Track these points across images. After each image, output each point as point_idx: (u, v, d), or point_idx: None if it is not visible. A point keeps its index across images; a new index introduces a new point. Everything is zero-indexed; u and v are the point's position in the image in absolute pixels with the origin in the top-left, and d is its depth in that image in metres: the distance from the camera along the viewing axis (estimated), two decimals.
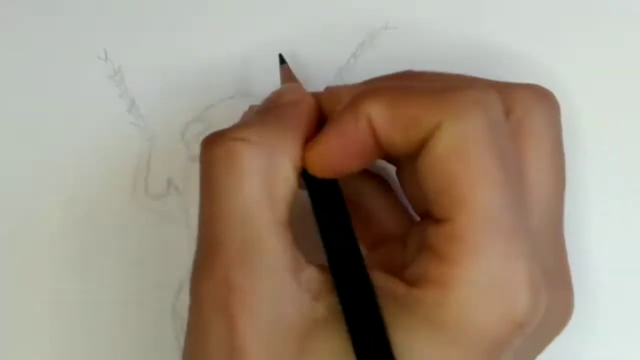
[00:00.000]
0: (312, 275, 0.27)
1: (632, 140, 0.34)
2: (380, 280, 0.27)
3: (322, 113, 0.29)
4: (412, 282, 0.27)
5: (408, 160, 0.28)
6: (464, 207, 0.26)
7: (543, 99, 0.29)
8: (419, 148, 0.26)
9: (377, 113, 0.27)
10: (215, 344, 0.26)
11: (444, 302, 0.26)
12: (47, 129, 0.35)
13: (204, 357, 0.27)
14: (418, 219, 0.30)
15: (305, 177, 0.28)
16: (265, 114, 0.29)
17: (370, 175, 0.32)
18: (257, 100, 0.31)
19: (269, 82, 0.34)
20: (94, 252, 0.34)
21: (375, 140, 0.27)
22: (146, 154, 0.34)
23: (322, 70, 0.33)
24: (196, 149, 0.28)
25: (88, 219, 0.34)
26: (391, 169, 0.31)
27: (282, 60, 0.33)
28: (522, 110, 0.28)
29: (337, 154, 0.28)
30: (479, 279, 0.25)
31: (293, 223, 0.28)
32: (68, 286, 0.34)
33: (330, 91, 0.30)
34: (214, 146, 0.27)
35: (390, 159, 0.30)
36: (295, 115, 0.29)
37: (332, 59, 0.32)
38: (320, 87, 0.30)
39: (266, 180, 0.27)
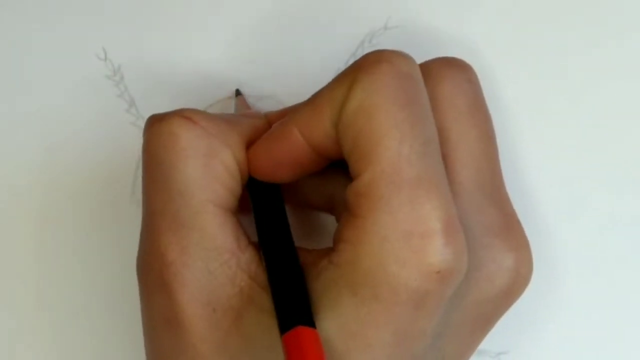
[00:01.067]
0: (252, 256, 0.28)
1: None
2: (306, 255, 0.28)
3: None
4: (334, 249, 0.27)
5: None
6: (369, 160, 0.26)
7: (451, 65, 0.29)
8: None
9: (300, 116, 0.27)
10: (158, 315, 0.27)
11: (357, 259, 0.26)
12: (47, 128, 0.35)
13: (151, 328, 0.28)
14: None
15: (249, 184, 0.29)
16: (218, 114, 0.30)
17: None
18: (257, 100, 0.31)
19: (269, 82, 0.34)
20: (94, 252, 0.34)
21: (310, 146, 0.27)
22: None
23: (322, 70, 0.33)
24: None
25: (88, 218, 0.34)
26: None
27: (238, 93, 0.34)
28: (433, 80, 0.28)
29: (271, 156, 0.28)
30: (388, 230, 0.25)
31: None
32: (68, 286, 0.34)
33: (277, 113, 0.30)
34: (159, 122, 0.28)
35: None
36: (245, 122, 0.29)
37: (332, 59, 0.32)
38: (320, 87, 0.30)
39: (204, 162, 0.28)
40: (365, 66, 0.26)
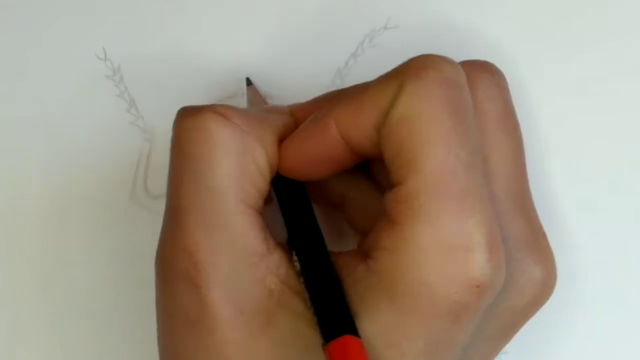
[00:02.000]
0: (281, 257, 0.27)
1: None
2: (341, 259, 0.27)
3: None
4: (369, 254, 0.26)
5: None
6: (414, 168, 0.25)
7: (483, 70, 0.29)
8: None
9: (339, 113, 0.27)
10: (181, 313, 0.26)
11: (397, 268, 0.25)
12: (47, 128, 0.35)
13: (171, 326, 0.27)
14: None
15: (275, 182, 0.28)
16: (250, 109, 0.30)
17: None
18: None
19: (269, 81, 0.34)
20: (94, 252, 0.34)
21: (344, 143, 0.27)
22: (146, 154, 0.34)
23: (322, 70, 0.33)
24: None
25: (88, 218, 0.34)
26: None
27: (249, 83, 0.33)
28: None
29: (304, 153, 0.28)
30: (431, 241, 0.25)
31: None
32: (68, 286, 0.34)
33: (303, 107, 0.30)
34: (192, 115, 0.27)
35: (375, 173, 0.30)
36: (275, 118, 0.29)
37: (332, 59, 0.32)
38: (320, 87, 0.30)
39: (238, 161, 0.27)
40: (412, 71, 0.26)
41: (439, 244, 0.25)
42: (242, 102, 0.34)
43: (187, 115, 0.27)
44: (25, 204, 0.34)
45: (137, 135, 0.34)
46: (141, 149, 0.34)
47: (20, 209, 0.34)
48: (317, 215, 0.29)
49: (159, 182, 0.34)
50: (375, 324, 0.26)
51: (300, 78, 0.32)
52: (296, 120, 0.29)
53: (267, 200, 0.28)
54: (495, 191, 0.28)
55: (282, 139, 0.28)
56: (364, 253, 0.27)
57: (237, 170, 0.27)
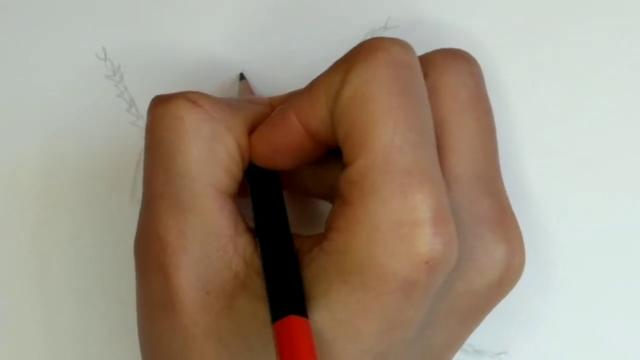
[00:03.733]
0: (248, 241, 0.28)
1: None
2: (301, 242, 0.28)
3: None
4: (325, 237, 0.27)
5: None
6: (363, 148, 0.26)
7: (456, 57, 0.29)
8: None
9: (297, 103, 0.27)
10: (153, 297, 0.27)
11: (348, 248, 0.26)
12: (46, 128, 0.35)
13: (145, 310, 0.28)
14: None
15: (248, 171, 0.29)
16: (225, 98, 0.30)
17: None
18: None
19: (269, 82, 0.34)
20: (94, 252, 0.34)
21: (306, 132, 0.27)
22: None
23: (321, 70, 0.33)
24: None
25: (88, 218, 0.34)
26: None
27: (242, 77, 0.34)
28: (436, 70, 0.28)
29: (270, 141, 0.28)
30: (380, 219, 0.25)
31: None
32: (68, 286, 0.34)
33: (280, 98, 0.30)
34: (164, 103, 0.28)
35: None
36: (248, 107, 0.29)
37: (332, 58, 0.32)
38: None
39: (208, 146, 0.28)
40: (361, 54, 0.26)
41: (387, 221, 0.25)
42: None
43: (160, 103, 0.28)
44: (24, 204, 0.34)
45: (137, 135, 0.34)
46: (141, 149, 0.34)
47: (19, 209, 0.34)
48: (300, 204, 0.29)
49: None
50: (329, 304, 0.26)
51: (300, 78, 0.32)
52: (272, 111, 0.30)
53: (245, 193, 0.29)
54: (458, 172, 0.28)
55: (254, 128, 0.29)
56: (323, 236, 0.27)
57: (206, 155, 0.27)
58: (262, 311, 0.27)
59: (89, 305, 0.34)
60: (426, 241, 0.25)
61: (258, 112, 0.29)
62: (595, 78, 0.34)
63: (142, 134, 0.34)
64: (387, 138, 0.25)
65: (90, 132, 0.34)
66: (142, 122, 0.34)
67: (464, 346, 0.33)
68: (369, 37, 0.34)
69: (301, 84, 0.31)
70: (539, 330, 0.34)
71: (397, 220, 0.25)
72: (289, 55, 0.34)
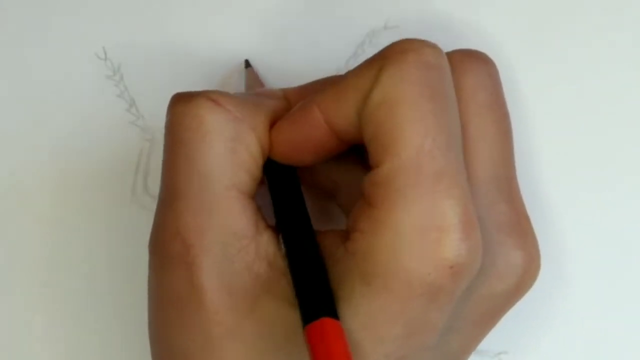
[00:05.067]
0: (270, 240, 0.28)
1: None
2: (325, 242, 0.27)
3: None
4: (348, 237, 0.27)
5: None
6: (391, 151, 0.25)
7: (474, 58, 0.29)
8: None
9: (323, 99, 0.27)
10: (171, 294, 0.27)
11: (372, 250, 0.26)
12: (46, 129, 0.35)
13: (161, 307, 0.28)
14: None
15: (266, 166, 0.29)
16: (243, 94, 0.30)
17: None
18: None
19: (268, 83, 0.34)
20: (94, 252, 0.34)
21: (329, 130, 0.27)
22: (146, 154, 0.34)
23: (322, 70, 0.33)
24: None
25: (88, 219, 0.34)
26: None
27: (247, 65, 0.33)
28: (455, 71, 0.28)
29: (291, 138, 0.28)
30: (406, 223, 0.25)
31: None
32: (68, 286, 0.34)
33: (295, 90, 0.30)
34: (185, 102, 0.28)
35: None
36: (268, 103, 0.29)
37: (332, 58, 0.32)
38: None
39: (230, 146, 0.27)
40: (392, 55, 0.26)
41: (413, 225, 0.25)
42: (240, 87, 0.34)
43: (180, 102, 0.28)
44: (24, 203, 0.34)
45: (137, 135, 0.34)
46: (141, 149, 0.34)
47: (19, 209, 0.34)
48: (312, 199, 0.29)
49: (159, 182, 0.34)
50: (352, 306, 0.26)
51: (299, 79, 0.32)
52: (289, 104, 0.30)
53: (261, 184, 0.29)
54: (478, 175, 0.28)
55: (274, 123, 0.29)
56: (346, 235, 0.27)
57: (228, 156, 0.27)
58: (288, 313, 0.26)
59: (90, 304, 0.34)
60: (453, 247, 0.25)
61: (277, 107, 0.29)
62: (613, 77, 0.34)
63: (143, 134, 0.34)
64: (418, 142, 0.25)
65: (90, 132, 0.34)
66: (142, 122, 0.34)
67: None
68: (368, 37, 0.34)
69: (300, 81, 0.31)
70: (539, 330, 0.34)
71: (424, 224, 0.25)
72: (288, 56, 0.34)
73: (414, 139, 0.25)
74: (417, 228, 0.25)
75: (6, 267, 0.34)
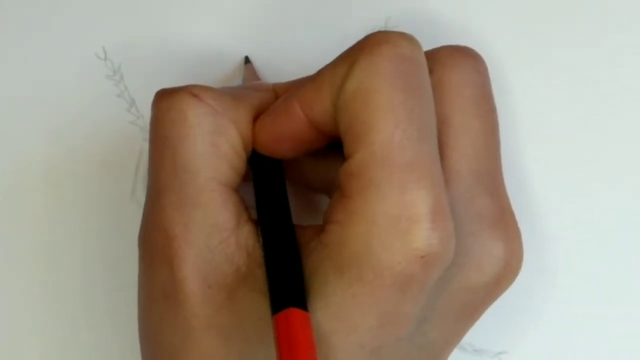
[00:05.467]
0: (250, 233, 0.28)
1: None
2: (302, 233, 0.28)
3: None
4: (324, 228, 0.27)
5: None
6: (364, 141, 0.26)
7: (462, 54, 0.29)
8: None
9: (302, 93, 0.28)
10: (157, 289, 0.28)
11: (345, 240, 0.26)
12: (47, 129, 0.35)
13: (148, 302, 0.28)
14: None
15: (251, 159, 0.29)
16: (227, 88, 0.30)
17: None
18: None
19: (268, 79, 0.34)
20: (94, 252, 0.34)
21: (309, 123, 0.28)
22: (146, 154, 0.34)
23: (321, 66, 0.33)
24: None
25: (88, 218, 0.34)
26: None
27: (247, 61, 0.34)
28: (442, 66, 0.28)
29: (273, 130, 0.28)
30: (378, 212, 0.25)
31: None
32: (68, 286, 0.34)
33: (284, 85, 0.31)
34: (167, 97, 0.28)
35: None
36: (252, 96, 0.30)
37: (332, 58, 0.32)
38: None
39: (211, 140, 0.28)
40: (367, 47, 0.26)
41: (385, 215, 0.25)
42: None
43: (163, 97, 0.28)
44: (24, 203, 0.34)
45: (137, 135, 0.34)
46: (141, 149, 0.34)
47: (18, 209, 0.34)
48: (301, 196, 0.30)
49: None
50: (324, 297, 0.26)
51: (298, 75, 0.32)
52: (276, 98, 0.30)
53: (247, 177, 0.29)
54: (459, 168, 0.28)
55: (259, 115, 0.29)
56: (322, 227, 0.27)
57: (210, 149, 0.28)
58: (263, 304, 0.27)
59: (89, 304, 0.34)
60: (423, 236, 0.25)
61: (262, 100, 0.30)
62: (599, 76, 0.34)
63: (143, 133, 0.34)
64: (388, 133, 0.25)
65: (90, 132, 0.34)
66: (142, 122, 0.34)
67: (464, 345, 0.33)
68: None
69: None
70: (539, 330, 0.34)
71: (395, 214, 0.25)
72: (288, 56, 0.34)
73: (384, 129, 0.26)
74: (389, 218, 0.25)
75: (5, 267, 0.34)
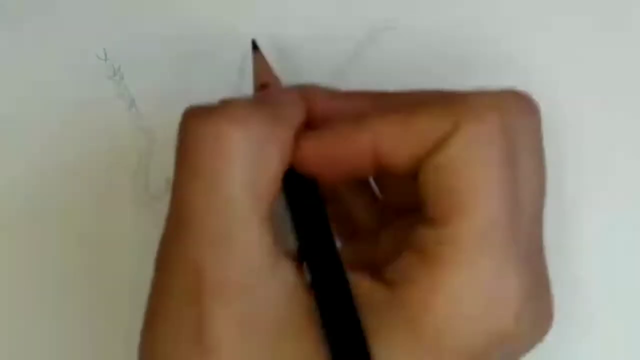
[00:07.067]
0: (289, 271, 0.26)
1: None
2: (357, 280, 0.26)
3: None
4: (392, 284, 0.26)
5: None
6: (465, 213, 0.25)
7: (522, 103, 0.27)
8: (425, 158, 0.25)
9: (382, 129, 0.26)
10: (184, 329, 0.25)
11: (428, 306, 0.25)
12: (47, 128, 0.35)
13: (172, 342, 0.25)
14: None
15: (286, 176, 0.26)
16: (262, 99, 0.28)
17: None
18: None
19: None
20: (94, 252, 0.34)
21: (373, 158, 0.26)
22: (146, 154, 0.34)
23: (322, 70, 0.33)
24: None
25: (88, 219, 0.34)
26: None
27: (254, 46, 0.31)
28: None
29: (329, 154, 0.26)
30: (469, 288, 0.25)
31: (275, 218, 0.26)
32: (68, 286, 0.34)
33: (325, 96, 0.28)
34: (202, 122, 0.25)
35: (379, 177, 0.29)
36: (293, 114, 0.27)
37: (332, 58, 0.32)
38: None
39: (253, 170, 0.25)
40: (475, 110, 0.25)
41: (475, 293, 0.25)
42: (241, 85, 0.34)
43: (197, 119, 0.25)
44: (23, 203, 0.34)
45: (137, 135, 0.34)
46: (141, 149, 0.34)
47: (18, 209, 0.34)
48: None
49: (159, 182, 0.34)
50: (391, 356, 0.25)
51: (299, 78, 0.32)
52: (305, 108, 0.27)
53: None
54: (525, 229, 0.26)
55: (297, 133, 0.26)
56: (383, 278, 0.26)
57: (251, 181, 0.25)
58: (311, 352, 0.25)
59: (89, 305, 0.34)
60: (511, 322, 0.25)
61: (299, 115, 0.27)
62: (603, 76, 0.34)
63: (143, 133, 0.34)
64: (493, 208, 0.24)
65: (90, 132, 0.34)
66: (142, 122, 0.34)
67: None
68: (368, 37, 0.34)
69: (300, 81, 0.31)
70: None
71: (486, 293, 0.24)
72: (288, 56, 0.34)
73: (489, 205, 0.24)
74: (479, 297, 0.24)
75: (3, 267, 0.34)
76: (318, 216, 0.26)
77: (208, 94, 0.34)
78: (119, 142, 0.34)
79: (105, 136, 0.34)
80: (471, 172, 0.25)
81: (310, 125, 0.27)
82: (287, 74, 0.33)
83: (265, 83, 0.30)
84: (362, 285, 0.26)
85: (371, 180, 0.30)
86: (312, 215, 0.26)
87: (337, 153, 0.26)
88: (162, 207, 0.29)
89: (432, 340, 0.25)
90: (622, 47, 0.34)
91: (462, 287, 0.25)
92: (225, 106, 0.25)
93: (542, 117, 0.27)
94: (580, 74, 0.34)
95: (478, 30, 0.34)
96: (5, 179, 0.34)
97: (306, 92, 0.28)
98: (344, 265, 0.26)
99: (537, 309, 0.26)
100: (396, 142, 0.25)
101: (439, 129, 0.25)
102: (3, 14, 0.35)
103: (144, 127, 0.34)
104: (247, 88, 0.34)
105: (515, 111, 0.26)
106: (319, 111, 0.28)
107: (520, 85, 0.34)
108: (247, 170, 0.25)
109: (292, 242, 0.27)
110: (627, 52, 0.34)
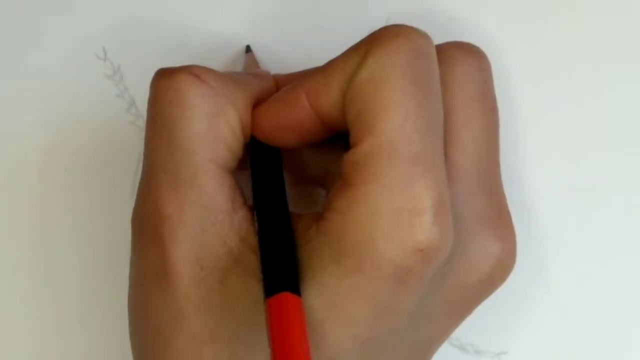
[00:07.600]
0: (245, 217, 0.28)
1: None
2: (301, 221, 0.28)
3: None
4: (322, 217, 0.27)
5: None
6: (372, 131, 0.26)
7: (467, 51, 0.29)
8: (346, 95, 0.27)
9: (310, 83, 0.28)
10: (148, 269, 0.28)
11: (345, 229, 0.26)
12: (46, 128, 0.35)
13: (139, 282, 0.28)
14: None
15: (250, 145, 0.29)
16: (227, 73, 0.30)
17: None
18: None
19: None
20: (94, 252, 0.34)
21: (314, 114, 0.28)
22: None
23: (320, 64, 0.33)
24: None
25: (88, 219, 0.34)
26: None
27: (248, 50, 0.34)
28: (446, 63, 0.28)
29: (276, 118, 0.28)
30: (380, 203, 0.25)
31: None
32: (68, 286, 0.34)
33: (286, 76, 0.31)
34: (167, 77, 0.28)
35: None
36: (254, 82, 0.30)
37: (332, 56, 0.32)
38: None
39: (210, 121, 0.28)
40: (381, 39, 0.26)
41: (387, 206, 0.25)
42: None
43: (163, 76, 0.28)
44: (24, 203, 0.34)
45: (137, 135, 0.34)
46: (141, 149, 0.34)
47: (18, 209, 0.34)
48: (298, 186, 0.30)
49: None
50: (321, 285, 0.26)
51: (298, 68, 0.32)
52: (276, 87, 0.30)
53: (244, 165, 0.29)
54: (460, 165, 0.28)
55: (258, 103, 0.29)
56: (320, 215, 0.27)
57: (208, 130, 0.28)
58: (255, 288, 0.27)
59: (88, 304, 0.34)
60: (424, 229, 0.25)
61: (263, 87, 0.30)
62: (599, 75, 0.34)
63: (143, 134, 0.34)
64: (397, 124, 0.26)
65: (90, 132, 0.34)
66: (142, 122, 0.34)
67: (465, 346, 0.33)
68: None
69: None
70: (539, 330, 0.34)
71: (397, 206, 0.25)
72: (288, 56, 0.34)
73: (394, 120, 0.26)
74: (391, 209, 0.25)
75: (3, 266, 0.34)
76: (271, 172, 0.29)
77: None
78: (119, 142, 0.34)
79: (104, 136, 0.34)
80: (376, 91, 0.26)
81: None
82: (286, 72, 0.33)
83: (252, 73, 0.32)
84: (304, 224, 0.27)
85: None
86: (266, 171, 0.29)
87: (282, 117, 0.28)
88: None
89: (355, 260, 0.26)
90: None
91: (372, 203, 0.26)
92: (188, 66, 0.28)
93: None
94: (568, 77, 0.34)
95: (478, 29, 0.34)
96: (5, 178, 0.34)
97: (276, 78, 0.31)
98: (289, 213, 0.28)
99: (487, 238, 0.28)
100: (322, 90, 0.27)
101: (352, 64, 0.27)
102: (2, 13, 0.35)
103: (144, 127, 0.34)
104: None
105: (455, 50, 0.29)
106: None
107: (521, 82, 0.34)
108: (202, 120, 0.28)
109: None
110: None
